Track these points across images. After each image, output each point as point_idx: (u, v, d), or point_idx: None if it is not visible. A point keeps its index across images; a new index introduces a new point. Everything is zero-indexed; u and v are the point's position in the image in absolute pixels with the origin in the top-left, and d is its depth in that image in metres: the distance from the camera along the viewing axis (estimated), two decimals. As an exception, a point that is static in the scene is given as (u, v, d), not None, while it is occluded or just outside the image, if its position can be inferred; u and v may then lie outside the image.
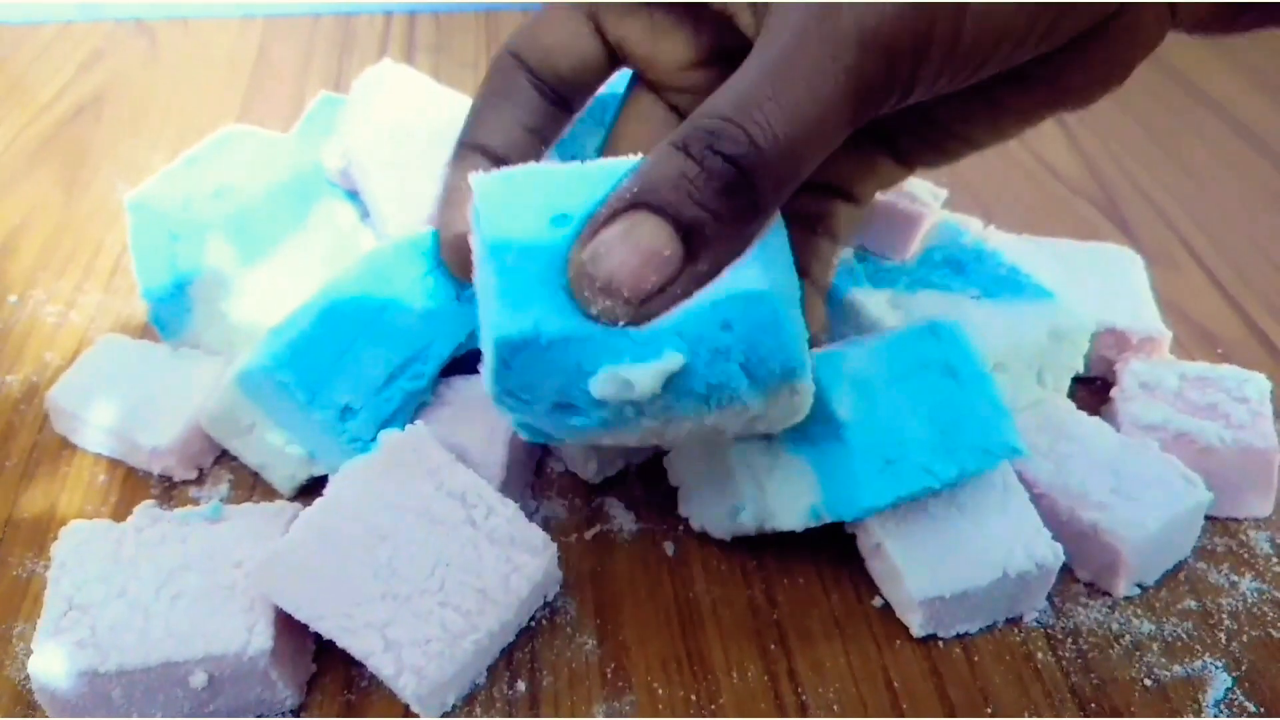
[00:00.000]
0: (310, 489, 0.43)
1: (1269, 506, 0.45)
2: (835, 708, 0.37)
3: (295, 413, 0.41)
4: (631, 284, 0.28)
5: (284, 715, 0.37)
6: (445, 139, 0.51)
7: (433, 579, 0.36)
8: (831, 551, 0.41)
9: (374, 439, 0.39)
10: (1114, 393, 0.47)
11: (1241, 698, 0.38)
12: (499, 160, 0.38)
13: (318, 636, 0.36)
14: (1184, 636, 0.40)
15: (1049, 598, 0.41)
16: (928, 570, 0.38)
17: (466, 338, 0.44)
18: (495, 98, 0.39)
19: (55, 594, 0.36)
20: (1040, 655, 0.39)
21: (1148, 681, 0.39)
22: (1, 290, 0.56)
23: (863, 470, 0.36)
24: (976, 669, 0.39)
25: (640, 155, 0.31)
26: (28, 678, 0.35)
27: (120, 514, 0.43)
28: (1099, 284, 0.51)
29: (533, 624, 0.40)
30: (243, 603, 0.36)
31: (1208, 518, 0.43)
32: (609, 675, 0.38)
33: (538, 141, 0.39)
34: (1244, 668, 0.39)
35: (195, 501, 0.44)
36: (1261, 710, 0.38)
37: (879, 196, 0.43)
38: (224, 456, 0.46)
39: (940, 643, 0.40)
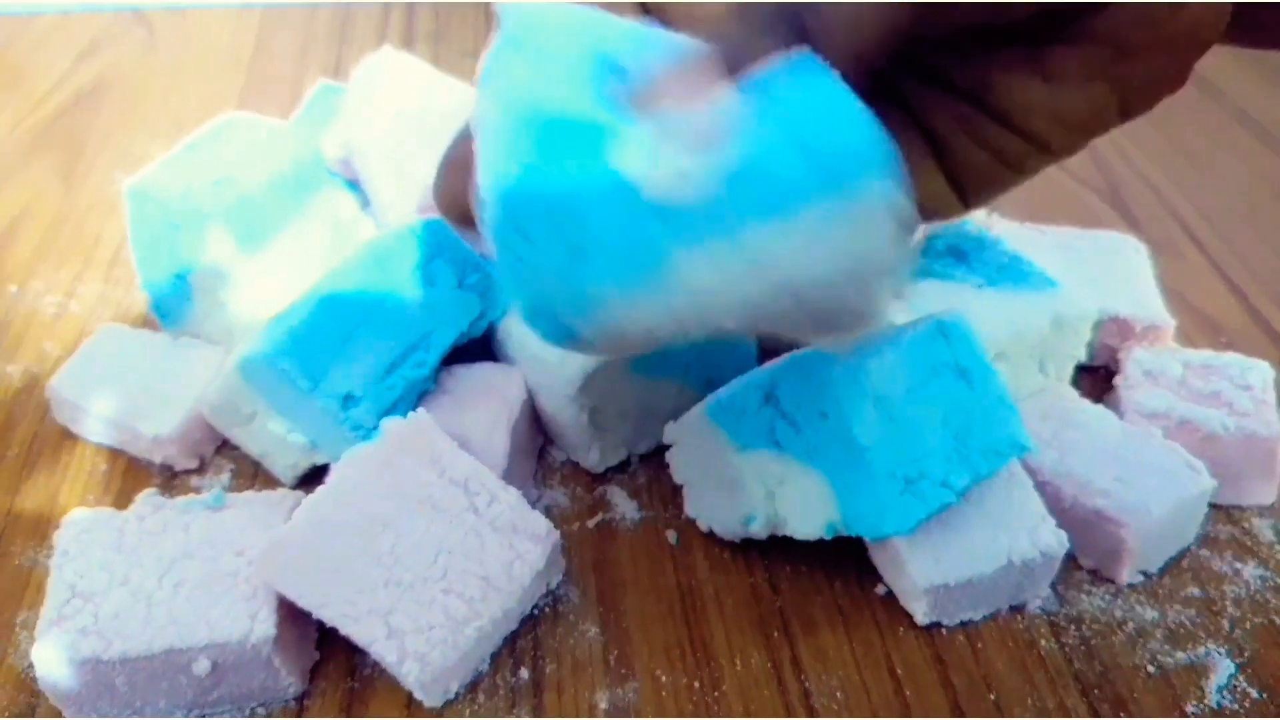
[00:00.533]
0: (311, 478, 0.43)
1: (1272, 494, 0.45)
2: (838, 695, 0.37)
3: (297, 401, 0.41)
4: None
5: (287, 703, 0.37)
6: (445, 127, 0.51)
7: (435, 566, 0.36)
8: (834, 539, 0.41)
9: (376, 427, 0.39)
10: (1118, 380, 0.47)
11: (1245, 684, 0.38)
12: None
13: (320, 624, 0.36)
14: (1187, 623, 0.40)
15: (1052, 585, 0.41)
16: (932, 558, 0.38)
17: (468, 325, 0.44)
18: None
19: (58, 582, 0.36)
20: (1044, 642, 0.39)
21: (1151, 668, 0.39)
22: (1, 280, 0.56)
23: (884, 493, 0.36)
24: (980, 656, 0.39)
25: None
26: (31, 666, 0.35)
27: (122, 503, 0.42)
28: (1102, 272, 0.51)
29: (535, 611, 0.40)
30: (245, 590, 0.36)
31: (1211, 505, 0.43)
32: (612, 662, 0.38)
33: None
34: (1247, 654, 0.39)
35: (197, 490, 0.44)
36: (1265, 696, 0.38)
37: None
38: (225, 446, 0.46)
39: (944, 630, 0.39)
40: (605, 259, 0.26)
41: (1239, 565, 0.42)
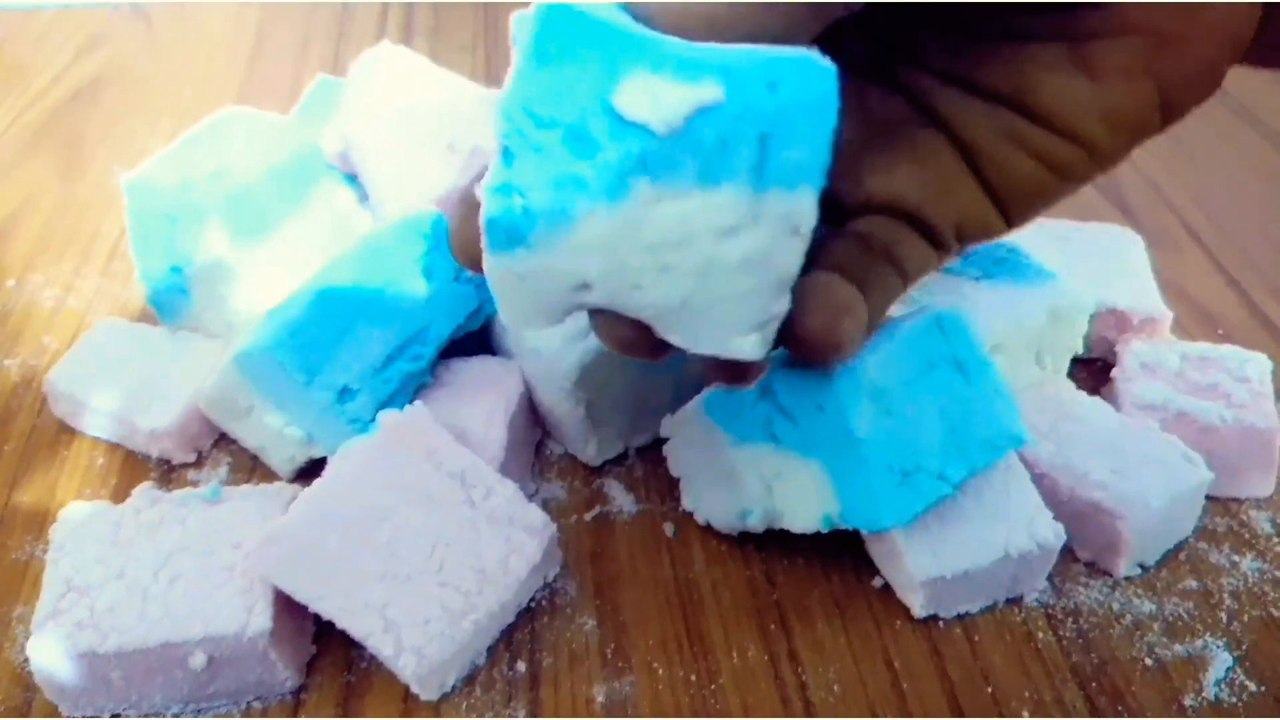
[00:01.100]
0: (309, 471, 0.43)
1: (1270, 486, 0.45)
2: (835, 688, 0.37)
3: (294, 394, 0.41)
4: None
5: (283, 696, 0.37)
6: (443, 121, 0.51)
7: (432, 559, 0.36)
8: (831, 532, 0.41)
9: (373, 420, 0.39)
10: (1115, 373, 0.47)
11: (1242, 677, 0.38)
12: None
13: (317, 617, 0.36)
14: (1185, 616, 0.40)
15: (1049, 577, 0.41)
16: (929, 550, 0.38)
17: (466, 319, 0.44)
18: None
19: (54, 576, 0.36)
20: (1041, 635, 0.39)
21: (1148, 661, 0.39)
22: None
23: (881, 486, 0.35)
24: (977, 649, 0.39)
25: None
26: (27, 660, 0.35)
27: (119, 497, 0.42)
28: (1099, 265, 0.51)
29: (532, 604, 0.40)
30: (242, 584, 0.36)
31: (1208, 497, 0.43)
32: (609, 655, 0.38)
33: None
34: (1245, 647, 0.39)
35: (194, 484, 0.44)
36: (1263, 690, 0.38)
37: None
38: (223, 439, 0.46)
39: (941, 623, 0.39)
40: (596, 160, 0.26)
41: (1236, 558, 0.42)
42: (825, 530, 0.38)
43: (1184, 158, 0.67)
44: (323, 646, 0.38)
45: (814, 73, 0.26)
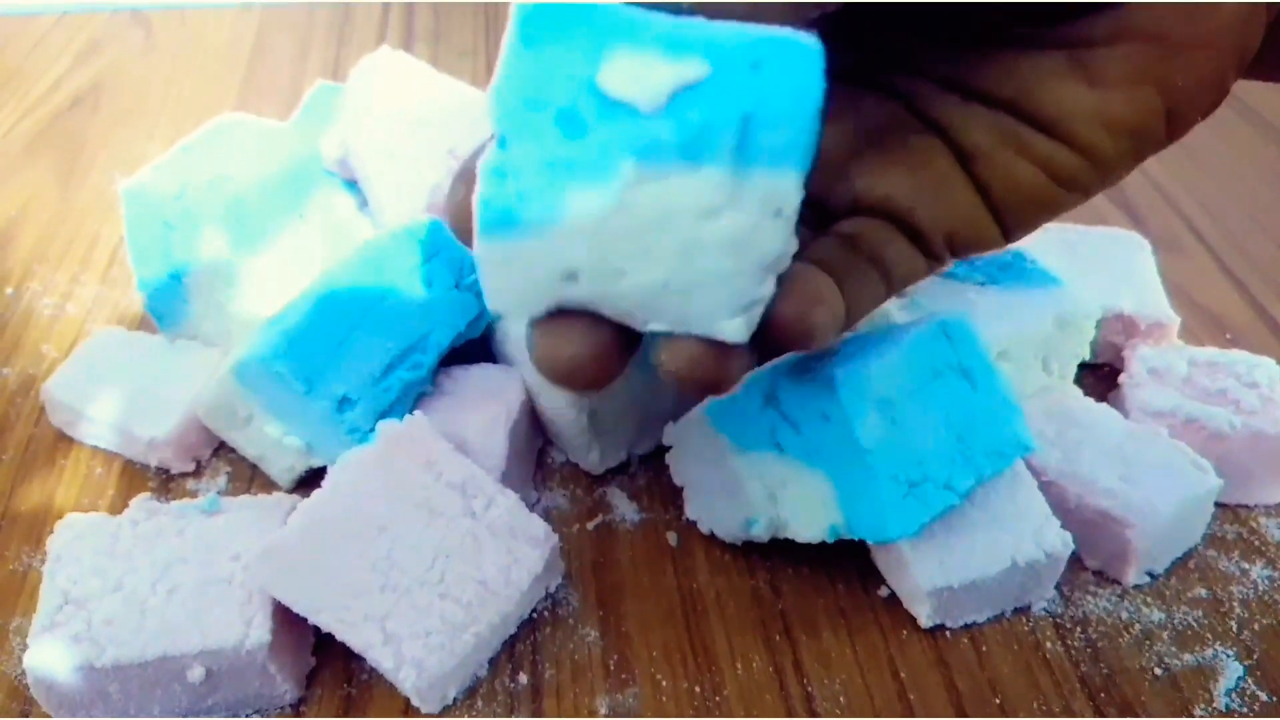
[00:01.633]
0: (309, 480, 0.43)
1: (1280, 493, 0.44)
2: (841, 699, 0.37)
3: (293, 404, 0.40)
4: None
5: (283, 709, 0.36)
6: (444, 127, 0.51)
7: (432, 571, 0.36)
8: (836, 541, 0.41)
9: (372, 430, 0.39)
10: (1122, 379, 0.47)
11: (1254, 687, 0.38)
12: None
13: (317, 629, 0.36)
14: (1194, 625, 0.40)
15: (1057, 586, 0.40)
16: (936, 560, 0.37)
17: (466, 326, 0.43)
18: None
19: (51, 588, 0.36)
20: (1049, 645, 0.39)
21: (1158, 671, 0.38)
22: (-3, 282, 0.55)
23: (888, 496, 0.35)
24: (984, 659, 0.38)
25: None
26: (24, 673, 0.35)
27: (118, 507, 0.42)
28: (1106, 269, 0.51)
29: (534, 615, 0.39)
30: (240, 596, 0.35)
31: (1218, 504, 0.43)
32: (612, 667, 0.38)
33: None
34: (1256, 656, 0.39)
35: (193, 493, 0.44)
36: (1274, 699, 0.37)
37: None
38: (222, 448, 0.46)
39: (947, 633, 0.39)
40: (585, 142, 0.26)
41: (1246, 566, 0.42)
42: (831, 541, 0.37)
43: (1189, 161, 0.66)
44: (322, 659, 0.38)
45: (799, 52, 0.25)
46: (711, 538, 0.42)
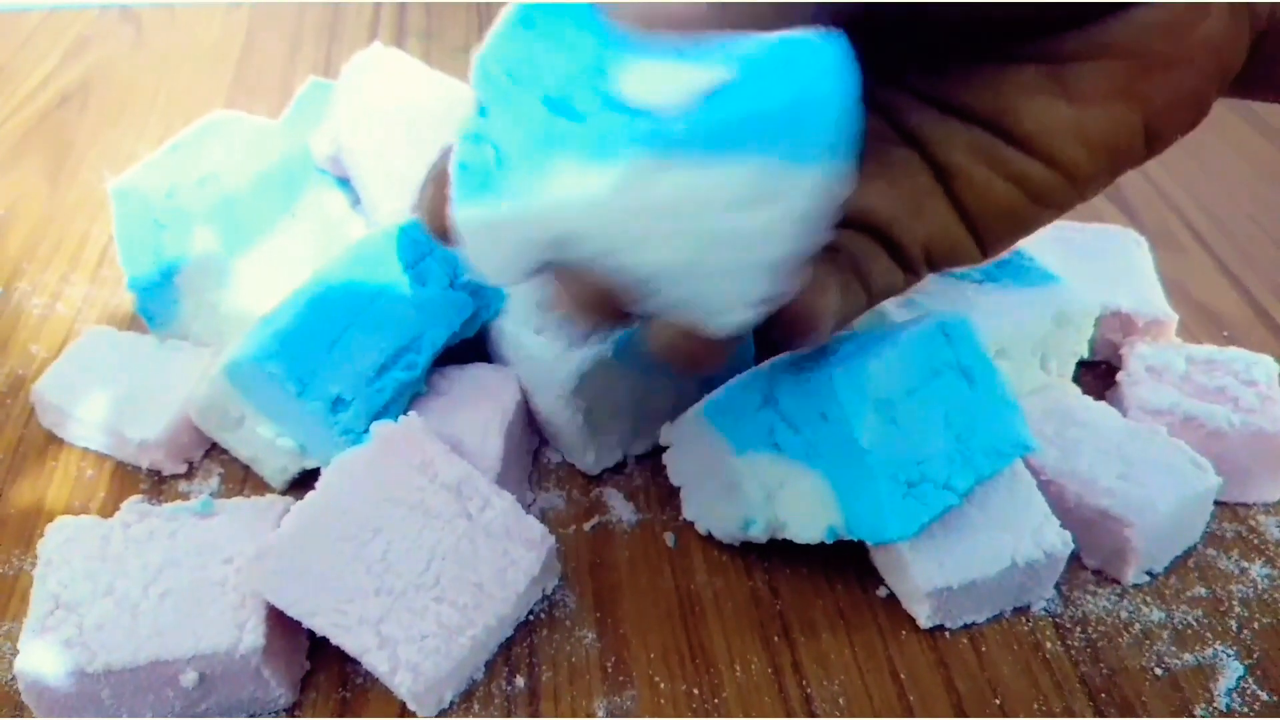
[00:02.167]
0: (302, 482, 0.42)
1: (1279, 491, 0.44)
2: (840, 700, 0.37)
3: (286, 405, 0.40)
4: None
5: (277, 714, 0.36)
6: (436, 124, 0.50)
7: (428, 574, 0.35)
8: (835, 541, 0.40)
9: (366, 431, 0.38)
10: (1120, 377, 0.46)
11: (1254, 686, 0.37)
12: None
13: (311, 633, 0.35)
14: (1194, 624, 0.39)
15: (1057, 586, 0.40)
16: (935, 560, 0.37)
17: (460, 326, 0.43)
18: None
19: (41, 592, 0.35)
20: (1049, 645, 0.39)
21: (1158, 670, 0.38)
22: (-14, 282, 0.55)
23: (887, 497, 0.35)
24: (984, 659, 0.38)
25: None
26: (15, 678, 0.34)
27: (109, 509, 0.42)
28: (1103, 266, 0.50)
29: (531, 618, 0.39)
30: (234, 599, 0.35)
31: (1217, 503, 0.43)
32: (609, 669, 0.38)
33: None
34: (1256, 656, 0.38)
35: (185, 495, 0.43)
36: (1275, 698, 0.37)
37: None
38: (214, 449, 0.45)
39: (947, 633, 0.39)
40: (578, 131, 0.26)
41: (1245, 564, 0.42)
42: (829, 542, 0.37)
43: (1186, 158, 0.66)
44: (317, 663, 0.37)
45: (825, 52, 0.25)
46: (709, 538, 0.42)
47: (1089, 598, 0.40)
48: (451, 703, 0.36)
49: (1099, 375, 0.49)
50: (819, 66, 0.25)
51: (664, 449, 0.42)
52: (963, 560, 0.37)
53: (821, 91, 0.25)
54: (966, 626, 0.39)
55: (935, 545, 0.37)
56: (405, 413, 0.39)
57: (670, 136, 0.25)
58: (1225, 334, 0.52)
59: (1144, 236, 0.53)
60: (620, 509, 0.43)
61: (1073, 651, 0.38)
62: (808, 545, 0.38)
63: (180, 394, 0.44)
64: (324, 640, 0.35)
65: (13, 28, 0.80)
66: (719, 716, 0.36)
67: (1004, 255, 0.46)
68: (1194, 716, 0.36)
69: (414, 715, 0.35)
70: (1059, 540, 0.38)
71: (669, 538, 0.42)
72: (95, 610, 0.35)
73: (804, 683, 0.37)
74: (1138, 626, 0.39)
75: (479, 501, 0.37)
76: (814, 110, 0.25)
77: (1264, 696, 0.37)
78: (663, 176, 0.25)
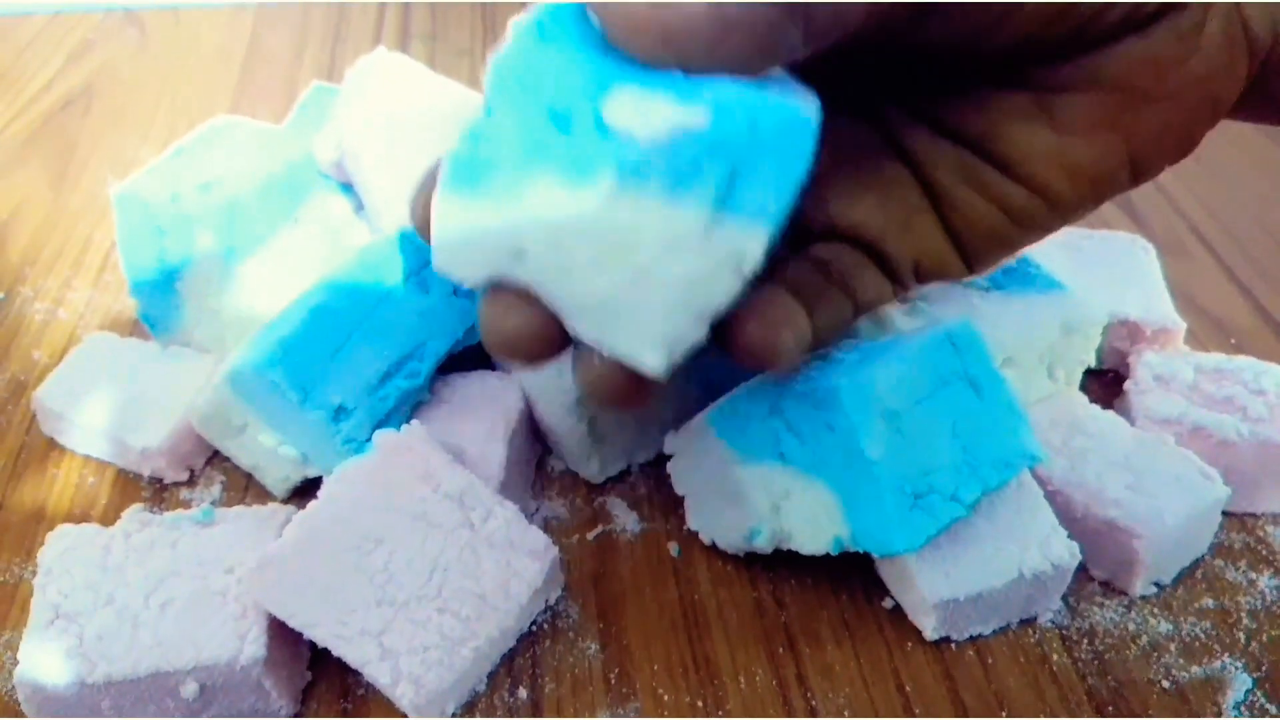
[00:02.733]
0: (304, 491, 0.42)
1: (1287, 501, 0.44)
2: (845, 712, 0.36)
3: (288, 413, 0.40)
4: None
5: (278, 725, 0.36)
6: (442, 130, 0.50)
7: (430, 584, 0.35)
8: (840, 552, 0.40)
9: (369, 439, 0.38)
10: (1128, 385, 0.46)
11: (1263, 699, 0.37)
12: None
13: (313, 644, 0.35)
14: (1202, 636, 0.39)
15: (1064, 597, 0.40)
16: (941, 572, 0.37)
17: (464, 334, 0.43)
18: None
19: (42, 601, 0.35)
20: (1056, 657, 0.38)
21: (1166, 683, 0.38)
22: (-12, 287, 0.55)
23: (894, 509, 0.34)
24: (991, 672, 0.38)
25: None
26: (14, 688, 0.34)
27: (110, 517, 0.41)
28: (1110, 274, 0.50)
29: (534, 628, 0.39)
30: (235, 610, 0.35)
31: (1225, 513, 0.42)
32: (613, 681, 0.37)
33: None
34: (1265, 668, 0.38)
35: (187, 503, 0.43)
36: (1284, 713, 0.37)
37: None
38: (216, 457, 0.45)
39: (953, 645, 0.39)
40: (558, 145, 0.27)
41: (1254, 575, 0.41)
42: (835, 553, 0.37)
43: (1193, 163, 0.65)
44: (319, 674, 0.37)
45: (795, 122, 0.27)
46: (713, 548, 0.41)
47: (1096, 609, 0.40)
48: (454, 714, 0.36)
49: (1106, 384, 0.49)
50: (783, 137, 0.26)
51: (668, 458, 0.42)
52: (969, 572, 0.37)
53: (777, 161, 0.27)
54: (973, 638, 0.39)
55: (941, 556, 0.37)
56: (408, 421, 0.39)
57: (634, 167, 0.26)
58: (1234, 342, 0.52)
59: (1152, 244, 0.52)
60: (624, 518, 0.43)
61: (1080, 664, 0.38)
62: (813, 556, 0.38)
63: (182, 401, 0.44)
64: (325, 651, 0.34)
65: (16, 31, 0.80)
66: (723, 729, 0.36)
67: (1010, 262, 0.46)
68: (1202, 730, 0.36)
69: (416, 727, 0.35)
70: (1066, 551, 0.38)
71: (673, 547, 0.42)
72: (96, 620, 0.34)
73: (809, 694, 0.37)
74: (1145, 638, 0.39)
75: (482, 511, 0.37)
76: (770, 175, 0.27)
77: (1273, 710, 0.37)
78: (618, 205, 0.26)
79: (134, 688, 0.34)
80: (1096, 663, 0.38)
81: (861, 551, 0.36)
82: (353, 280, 0.41)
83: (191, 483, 0.44)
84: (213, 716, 0.35)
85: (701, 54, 0.25)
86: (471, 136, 0.28)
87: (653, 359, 0.28)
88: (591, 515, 0.43)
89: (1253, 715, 0.37)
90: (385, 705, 0.36)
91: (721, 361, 0.43)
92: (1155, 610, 0.40)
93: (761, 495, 0.38)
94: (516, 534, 0.37)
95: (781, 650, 0.38)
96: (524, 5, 0.27)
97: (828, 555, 0.37)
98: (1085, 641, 0.39)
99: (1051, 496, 0.40)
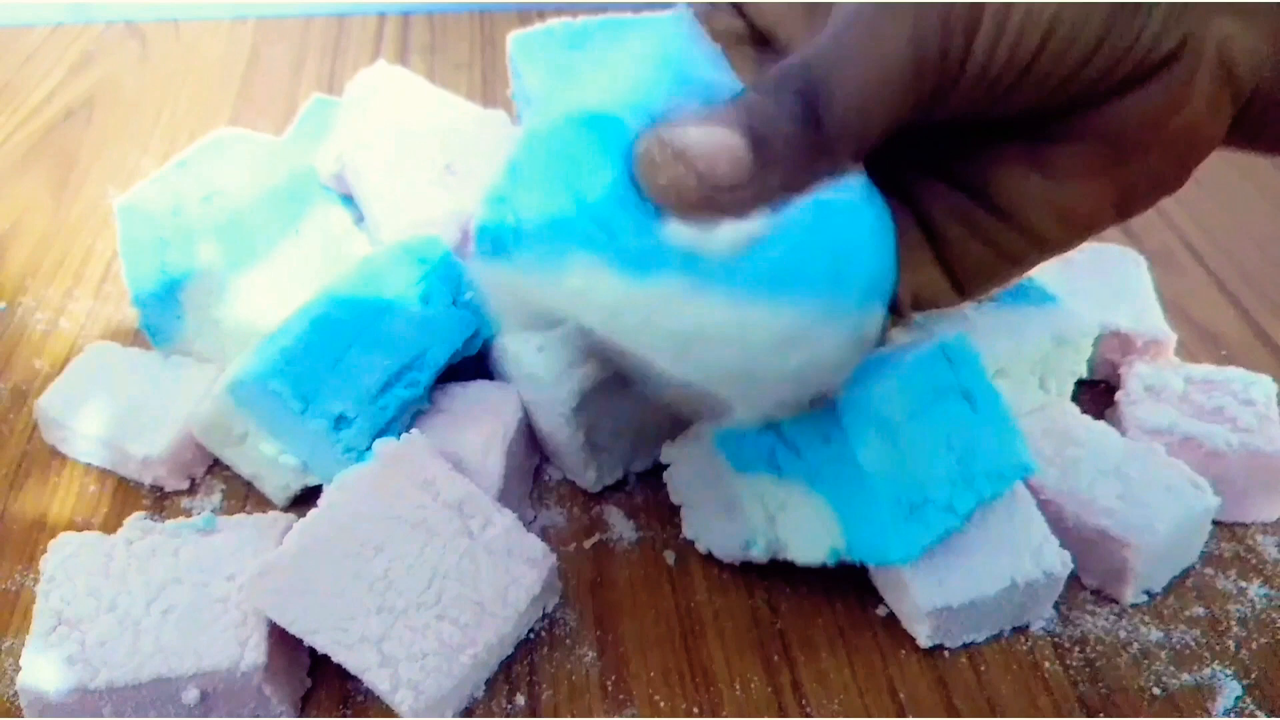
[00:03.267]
0: (304, 499, 0.43)
1: (1277, 510, 0.44)
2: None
3: (289, 422, 0.40)
4: (705, 160, 0.27)
5: (278, 731, 0.36)
6: (441, 142, 0.50)
7: (429, 592, 0.35)
8: (835, 560, 0.41)
9: (369, 448, 0.38)
10: (1119, 396, 0.47)
11: (1252, 706, 0.37)
12: None
13: (313, 651, 0.35)
14: (1192, 644, 0.40)
15: (1056, 605, 0.40)
16: (935, 580, 0.37)
17: (463, 344, 0.43)
18: None
19: (44, 608, 0.35)
20: (1047, 664, 0.39)
21: (1156, 690, 0.38)
22: (-10, 297, 0.55)
23: (889, 520, 0.35)
24: (983, 679, 0.38)
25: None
26: (17, 694, 0.35)
27: (111, 525, 0.42)
28: (1102, 286, 0.51)
29: (531, 636, 0.39)
30: (235, 617, 0.35)
31: (1215, 523, 0.43)
32: (609, 688, 0.38)
33: None
34: (1254, 676, 0.38)
35: (187, 512, 0.44)
36: (1274, 719, 0.37)
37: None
38: (216, 466, 0.45)
39: (946, 652, 0.39)
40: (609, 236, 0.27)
41: (1243, 584, 0.42)
42: (831, 564, 0.37)
43: (1184, 176, 0.66)
44: (318, 680, 0.37)
45: (867, 212, 0.28)
46: (709, 557, 0.42)
47: (1088, 617, 0.40)
48: (452, 721, 0.36)
49: (1098, 395, 0.50)
50: (856, 224, 0.27)
51: (665, 467, 0.42)
52: (962, 580, 0.37)
53: (859, 248, 0.28)
54: (966, 646, 0.39)
55: (935, 565, 0.37)
56: (408, 430, 0.39)
57: (709, 270, 0.26)
58: (1224, 353, 0.53)
59: (1143, 256, 0.53)
60: (621, 527, 0.44)
61: (1071, 671, 0.39)
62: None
63: (183, 410, 0.44)
64: (325, 658, 0.35)
65: (18, 43, 0.80)
66: (719, 735, 0.36)
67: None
68: (1193, 737, 0.37)
69: (415, 733, 0.36)
70: (1058, 560, 0.38)
71: (669, 556, 0.42)
72: (97, 627, 0.35)
73: (804, 702, 0.37)
74: (1136, 646, 0.39)
75: (481, 520, 0.37)
76: (851, 264, 0.28)
77: (1262, 717, 0.37)
78: (692, 303, 0.27)
79: (135, 694, 0.34)
80: (1088, 670, 0.39)
81: (857, 562, 0.37)
82: (353, 291, 0.42)
83: (192, 491, 0.45)
84: (213, 722, 0.35)
85: (743, 204, 0.27)
86: (498, 201, 0.28)
87: (749, 418, 0.30)
88: (589, 524, 0.44)
89: (1242, 722, 0.37)
90: (384, 711, 0.36)
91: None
92: (1146, 618, 0.40)
93: (757, 506, 0.39)
94: (515, 542, 0.37)
95: (776, 657, 0.39)
96: (522, 19, 0.28)
97: (823, 564, 0.38)
98: (1077, 649, 0.39)
99: (1044, 506, 0.40)
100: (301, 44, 0.81)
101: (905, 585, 0.38)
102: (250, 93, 0.75)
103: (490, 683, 0.37)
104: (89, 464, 0.46)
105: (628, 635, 0.39)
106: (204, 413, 0.42)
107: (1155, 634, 0.40)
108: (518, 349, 0.43)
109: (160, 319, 0.47)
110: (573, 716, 0.37)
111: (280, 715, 0.36)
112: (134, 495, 0.44)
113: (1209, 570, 0.42)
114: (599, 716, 0.37)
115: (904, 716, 0.37)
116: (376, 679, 0.34)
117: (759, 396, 0.29)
